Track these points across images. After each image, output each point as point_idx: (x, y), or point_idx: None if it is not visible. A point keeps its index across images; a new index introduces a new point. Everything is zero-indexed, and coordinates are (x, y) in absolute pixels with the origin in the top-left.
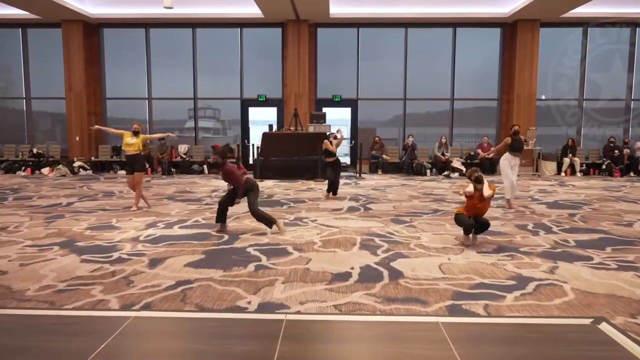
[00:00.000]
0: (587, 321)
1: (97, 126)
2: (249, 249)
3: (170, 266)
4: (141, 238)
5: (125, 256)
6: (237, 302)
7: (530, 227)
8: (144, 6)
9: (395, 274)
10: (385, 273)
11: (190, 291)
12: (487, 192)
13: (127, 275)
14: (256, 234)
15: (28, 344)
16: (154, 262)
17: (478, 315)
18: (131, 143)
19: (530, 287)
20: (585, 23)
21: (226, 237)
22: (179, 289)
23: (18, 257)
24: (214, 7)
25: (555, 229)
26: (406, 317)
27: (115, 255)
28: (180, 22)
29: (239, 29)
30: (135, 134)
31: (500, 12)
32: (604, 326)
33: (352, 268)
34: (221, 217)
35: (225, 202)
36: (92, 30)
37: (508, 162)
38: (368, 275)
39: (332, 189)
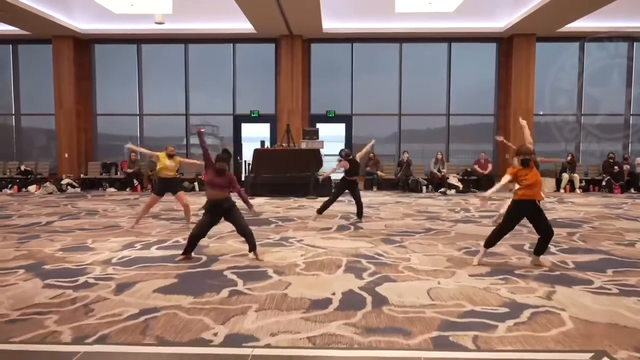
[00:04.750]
0: (587, 356)
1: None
2: (227, 272)
3: (137, 292)
4: (114, 260)
5: (92, 280)
6: (202, 333)
7: (526, 247)
8: (136, 22)
9: (380, 301)
10: (369, 299)
11: (153, 321)
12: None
13: (88, 303)
14: (237, 256)
15: None
16: (121, 288)
17: (466, 349)
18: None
19: (525, 315)
20: (582, 37)
21: (204, 258)
22: (142, 318)
23: None
24: (207, 23)
25: (553, 249)
26: (386, 352)
27: (82, 279)
28: (172, 37)
29: (232, 45)
30: (170, 157)
31: (495, 26)
32: None
33: (334, 293)
34: (191, 248)
35: (200, 234)
36: (83, 46)
37: None
38: (349, 302)
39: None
